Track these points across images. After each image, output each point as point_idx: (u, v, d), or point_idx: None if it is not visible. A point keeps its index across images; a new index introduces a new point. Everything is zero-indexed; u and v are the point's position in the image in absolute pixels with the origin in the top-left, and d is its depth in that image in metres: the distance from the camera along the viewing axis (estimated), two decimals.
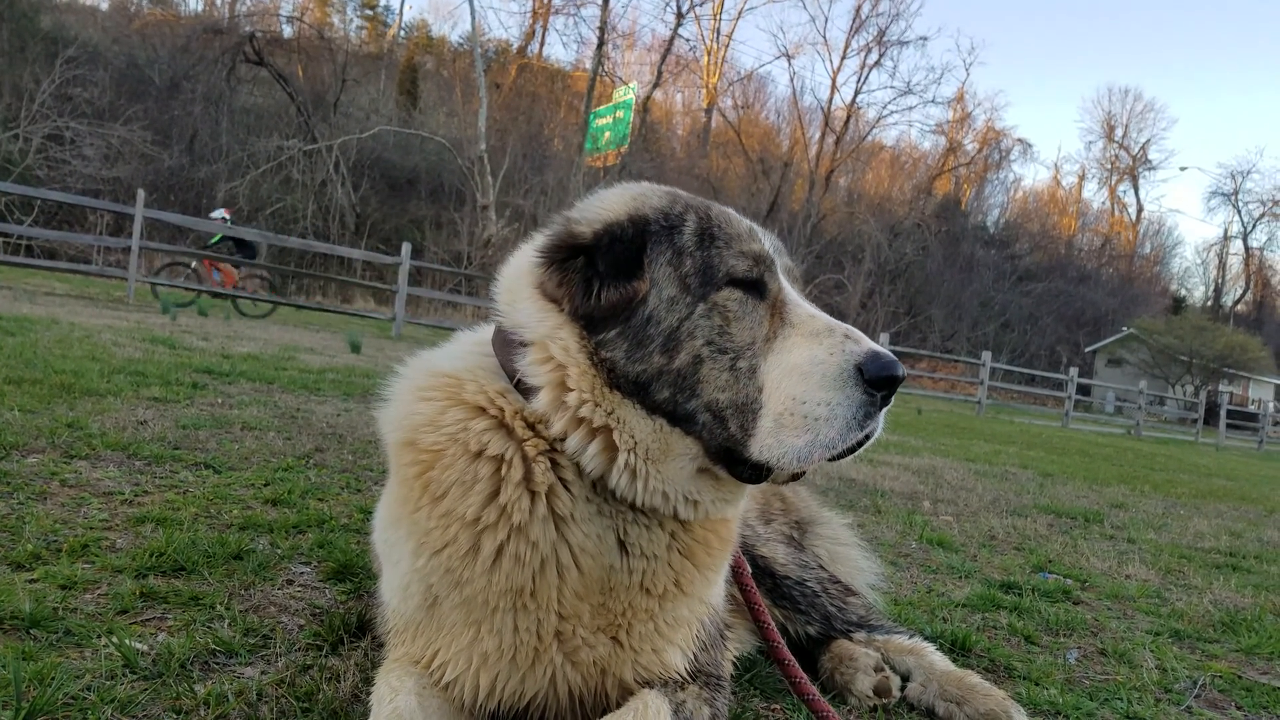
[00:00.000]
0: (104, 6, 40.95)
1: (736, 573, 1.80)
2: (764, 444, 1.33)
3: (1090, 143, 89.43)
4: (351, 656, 1.85)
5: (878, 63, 53.10)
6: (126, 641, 1.73)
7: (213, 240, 17.96)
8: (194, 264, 16.93)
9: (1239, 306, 72.65)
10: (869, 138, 57.59)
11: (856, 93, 53.73)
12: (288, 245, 20.88)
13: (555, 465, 1.41)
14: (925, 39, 68.99)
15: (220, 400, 5.34)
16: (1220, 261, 73.57)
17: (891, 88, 77.37)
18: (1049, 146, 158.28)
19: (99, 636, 1.77)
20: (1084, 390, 37.12)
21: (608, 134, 33.62)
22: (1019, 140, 70.01)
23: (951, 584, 3.32)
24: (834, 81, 53.21)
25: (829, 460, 1.34)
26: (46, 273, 15.94)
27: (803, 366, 1.34)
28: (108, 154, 29.64)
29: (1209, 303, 71.67)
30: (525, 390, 1.42)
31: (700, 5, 42.72)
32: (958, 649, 2.43)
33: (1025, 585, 3.35)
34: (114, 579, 2.11)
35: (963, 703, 1.90)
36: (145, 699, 1.55)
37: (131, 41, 37.16)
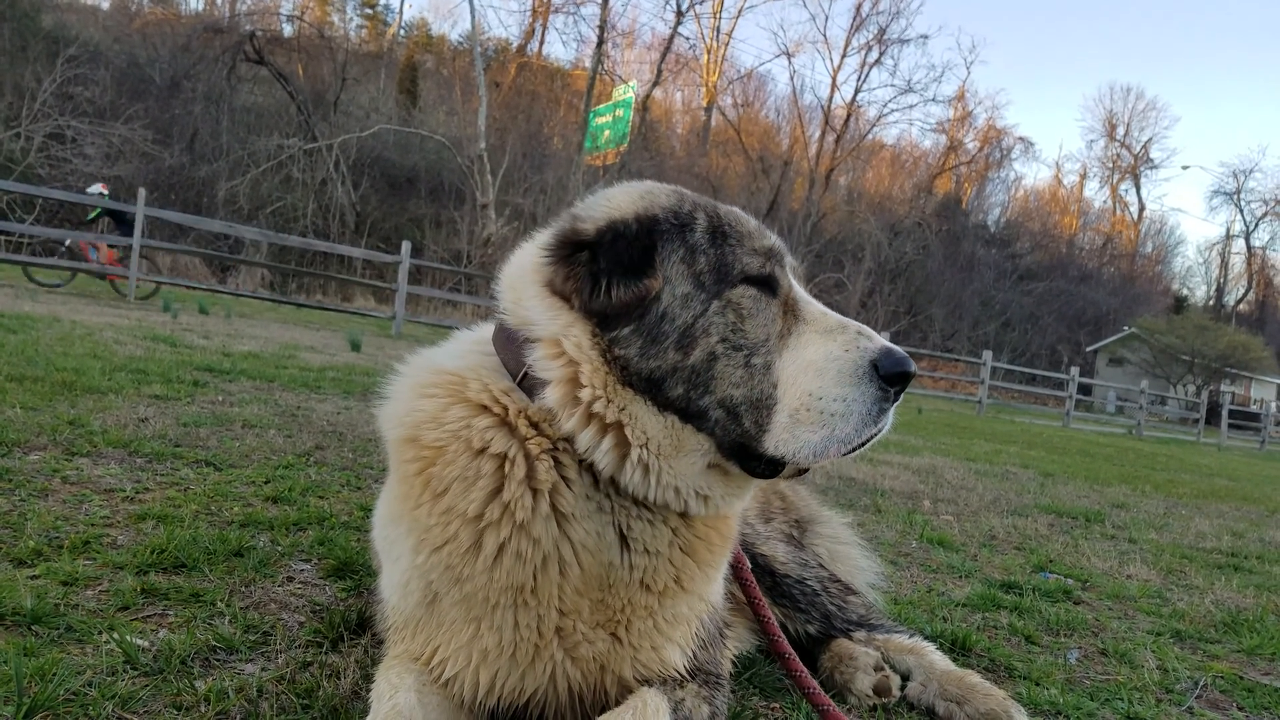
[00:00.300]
0: (105, 6, 40.96)
1: (736, 569, 1.80)
2: (779, 439, 1.34)
3: (1092, 141, 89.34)
4: (351, 653, 1.86)
5: (878, 61, 52.96)
6: (127, 638, 1.73)
7: (90, 216, 16.84)
8: (68, 241, 15.94)
9: (1241, 306, 72.61)
10: (869, 136, 57.48)
11: (857, 91, 53.66)
12: (288, 244, 20.89)
13: (558, 464, 1.41)
14: (926, 37, 69.17)
15: (221, 398, 5.35)
16: (1222, 261, 73.60)
17: (892, 86, 77.65)
18: (1050, 145, 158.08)
19: (100, 632, 1.77)
20: (1085, 390, 37.06)
21: (607, 133, 33.67)
22: (1020, 139, 70.20)
23: (952, 583, 3.32)
24: (834, 80, 53.11)
25: (842, 455, 1.35)
26: (47, 271, 15.95)
27: (818, 362, 1.35)
28: (109, 153, 29.65)
29: (1211, 302, 71.65)
30: (528, 389, 1.42)
31: (700, 3, 42.89)
32: (958, 648, 2.43)
33: (1026, 585, 3.35)
34: (115, 575, 2.12)
35: (963, 702, 1.90)
36: (146, 695, 1.55)
37: (132, 40, 37.15)
